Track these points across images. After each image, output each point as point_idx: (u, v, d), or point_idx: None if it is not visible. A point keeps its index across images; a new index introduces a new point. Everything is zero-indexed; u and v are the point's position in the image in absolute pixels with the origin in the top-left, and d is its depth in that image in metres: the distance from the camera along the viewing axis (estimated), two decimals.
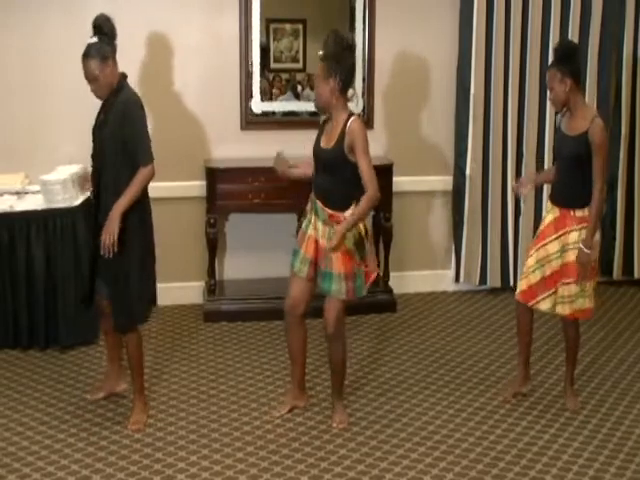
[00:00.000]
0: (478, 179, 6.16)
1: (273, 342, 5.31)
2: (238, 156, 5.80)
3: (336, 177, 4.00)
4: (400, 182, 5.92)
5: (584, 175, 4.18)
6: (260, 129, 5.86)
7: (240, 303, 5.73)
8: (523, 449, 4.00)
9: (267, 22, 5.83)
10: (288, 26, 5.95)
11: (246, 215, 5.82)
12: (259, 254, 5.94)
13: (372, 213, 6.04)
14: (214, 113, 5.81)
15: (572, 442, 4.07)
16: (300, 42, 5.95)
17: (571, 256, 4.21)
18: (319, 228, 4.06)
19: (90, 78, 3.94)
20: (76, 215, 4.97)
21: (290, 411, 4.32)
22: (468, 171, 6.12)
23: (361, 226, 4.03)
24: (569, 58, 4.19)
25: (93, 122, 4.10)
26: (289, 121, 5.93)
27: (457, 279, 6.33)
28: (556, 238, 4.26)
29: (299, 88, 6.04)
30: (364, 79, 5.96)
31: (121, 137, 3.91)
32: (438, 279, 6.39)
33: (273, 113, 5.94)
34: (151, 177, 3.99)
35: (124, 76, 4.05)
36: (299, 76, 6.05)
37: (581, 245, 4.16)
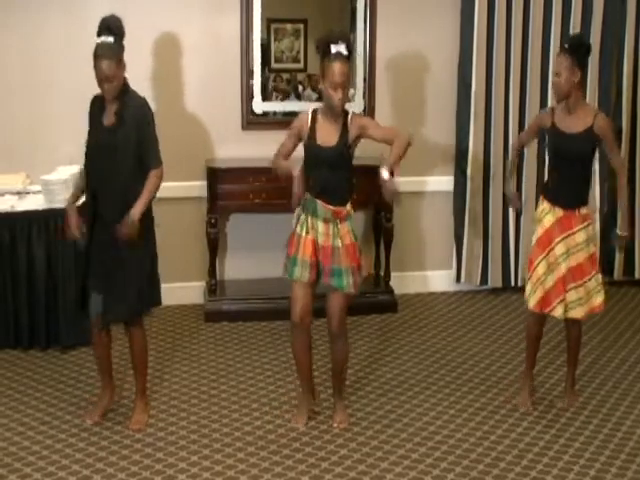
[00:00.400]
0: (479, 179, 6.16)
1: (274, 342, 5.31)
2: (239, 156, 5.79)
3: (342, 172, 4.07)
4: (401, 182, 5.88)
5: (587, 172, 4.18)
6: (261, 129, 5.84)
7: (241, 303, 5.73)
8: (524, 449, 4.00)
9: (268, 22, 5.83)
10: (289, 26, 5.94)
11: (247, 215, 5.83)
12: (260, 254, 5.93)
13: (372, 213, 6.06)
14: (215, 113, 5.81)
15: (573, 442, 4.07)
16: (301, 42, 5.94)
17: (579, 258, 4.19)
18: (318, 228, 4.06)
19: (107, 78, 3.87)
20: None
21: (310, 418, 4.27)
22: (469, 171, 6.12)
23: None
24: (585, 51, 4.15)
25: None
26: (290, 121, 5.86)
27: (458, 279, 6.32)
28: (562, 240, 4.21)
29: (300, 88, 6.03)
30: (365, 78, 5.96)
31: (136, 139, 3.92)
32: (439, 279, 6.38)
33: (274, 113, 5.94)
34: (161, 180, 4.03)
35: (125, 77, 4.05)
36: (300, 76, 6.04)
37: (623, 233, 4.33)
